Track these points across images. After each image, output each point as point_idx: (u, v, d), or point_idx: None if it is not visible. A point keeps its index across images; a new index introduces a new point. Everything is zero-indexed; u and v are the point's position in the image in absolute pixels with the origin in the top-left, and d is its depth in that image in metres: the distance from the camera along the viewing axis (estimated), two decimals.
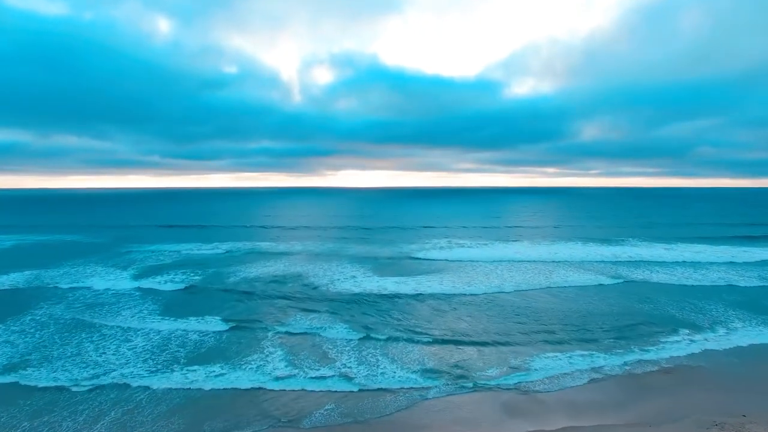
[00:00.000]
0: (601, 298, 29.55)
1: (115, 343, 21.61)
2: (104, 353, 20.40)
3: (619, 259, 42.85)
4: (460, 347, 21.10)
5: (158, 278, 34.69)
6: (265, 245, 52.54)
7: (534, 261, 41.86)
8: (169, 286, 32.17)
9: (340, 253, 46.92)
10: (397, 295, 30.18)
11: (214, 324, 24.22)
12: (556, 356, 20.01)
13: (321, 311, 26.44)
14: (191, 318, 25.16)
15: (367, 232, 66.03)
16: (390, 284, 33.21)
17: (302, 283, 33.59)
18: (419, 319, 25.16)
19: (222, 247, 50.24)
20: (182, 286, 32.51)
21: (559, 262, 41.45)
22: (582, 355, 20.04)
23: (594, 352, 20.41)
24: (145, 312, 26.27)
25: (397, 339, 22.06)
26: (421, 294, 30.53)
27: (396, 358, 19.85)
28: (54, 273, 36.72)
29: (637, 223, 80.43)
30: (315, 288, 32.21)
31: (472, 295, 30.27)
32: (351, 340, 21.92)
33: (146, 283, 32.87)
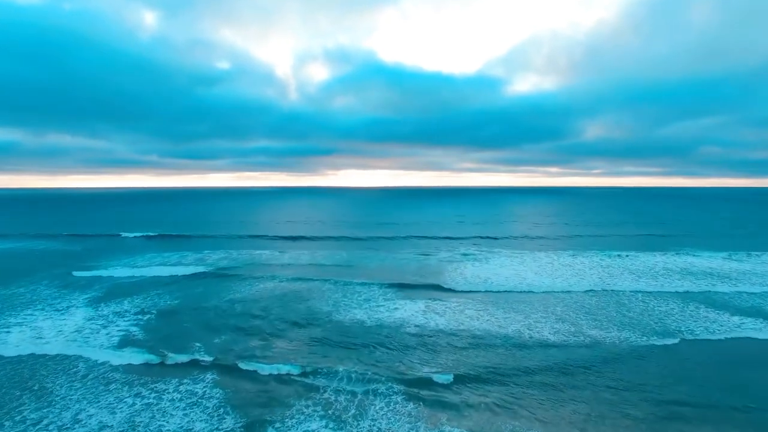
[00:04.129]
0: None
1: None
2: None
3: (714, 283, 33.22)
4: None
5: (114, 322, 25.40)
6: (263, 257, 44.11)
7: (622, 291, 30.81)
8: (125, 348, 21.47)
9: (354, 272, 38.61)
10: (457, 354, 21.93)
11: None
12: None
13: (349, 382, 18.19)
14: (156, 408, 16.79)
15: (384, 243, 57.67)
16: (439, 323, 25.00)
17: (317, 326, 25.20)
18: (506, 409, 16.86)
19: (211, 260, 41.83)
20: (145, 337, 23.96)
21: (652, 292, 30.63)
22: None
23: None
24: (85, 401, 17.64)
25: None
26: (488, 344, 22.26)
27: None
28: None
29: (684, 230, 72.28)
30: (334, 337, 23.95)
31: (554, 346, 21.96)
32: None
33: (94, 336, 22.85)
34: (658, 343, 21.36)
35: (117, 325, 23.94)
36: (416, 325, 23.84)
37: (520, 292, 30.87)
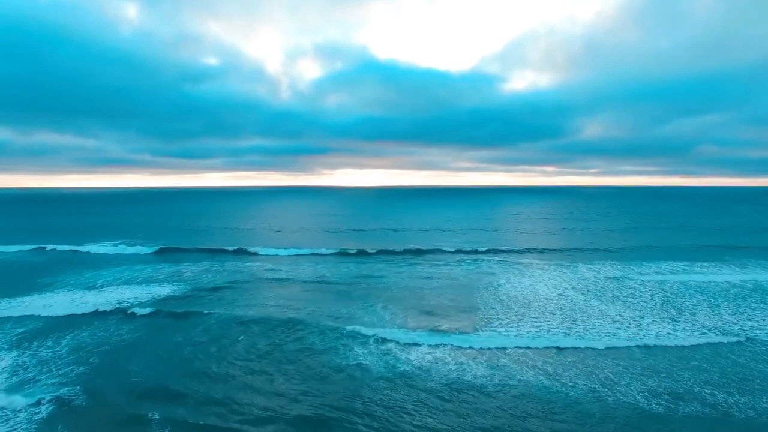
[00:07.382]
0: None
1: None
2: None
3: None
4: None
5: (40, 379, 18.30)
6: (251, 271, 37.09)
7: (704, 325, 24.08)
8: None
9: (359, 296, 31.77)
10: None
11: None
12: None
13: None
14: None
15: (392, 257, 50.66)
16: (477, 374, 18.18)
17: (316, 393, 18.41)
18: None
19: (190, 274, 34.75)
20: None
21: (753, 336, 22.83)
22: None
23: None
24: None
25: None
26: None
27: None
28: None
29: (720, 235, 66.04)
30: (340, 420, 17.14)
31: None
32: None
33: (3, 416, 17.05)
34: None
35: (43, 385, 16.93)
36: (450, 387, 17.07)
37: (573, 320, 24.18)
